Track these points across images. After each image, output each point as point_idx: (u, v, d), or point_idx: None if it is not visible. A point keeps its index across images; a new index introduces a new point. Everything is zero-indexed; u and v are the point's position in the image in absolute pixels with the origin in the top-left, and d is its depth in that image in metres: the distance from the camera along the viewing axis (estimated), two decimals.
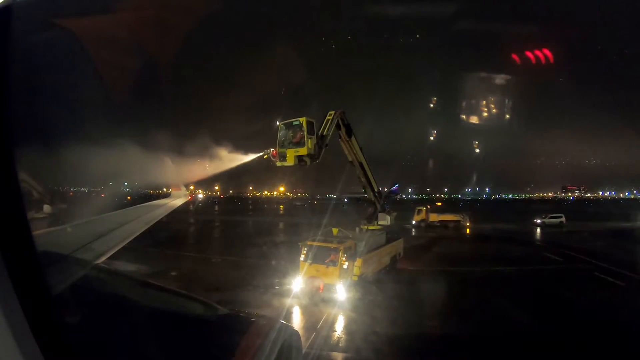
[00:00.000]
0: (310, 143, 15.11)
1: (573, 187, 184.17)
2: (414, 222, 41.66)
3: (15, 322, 1.49)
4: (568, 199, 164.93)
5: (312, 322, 12.98)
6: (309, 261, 15.58)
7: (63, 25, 4.59)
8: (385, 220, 21.01)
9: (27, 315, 1.54)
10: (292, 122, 15.65)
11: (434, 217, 42.06)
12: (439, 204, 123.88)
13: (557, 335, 11.86)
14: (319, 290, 15.07)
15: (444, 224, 41.26)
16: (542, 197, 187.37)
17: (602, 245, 30.47)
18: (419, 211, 42.70)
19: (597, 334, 11.57)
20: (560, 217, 46.59)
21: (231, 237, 37.01)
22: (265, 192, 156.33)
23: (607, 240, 33.10)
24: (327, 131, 15.87)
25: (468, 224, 41.28)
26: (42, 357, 1.53)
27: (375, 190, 20.75)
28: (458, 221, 41.46)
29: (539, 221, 45.92)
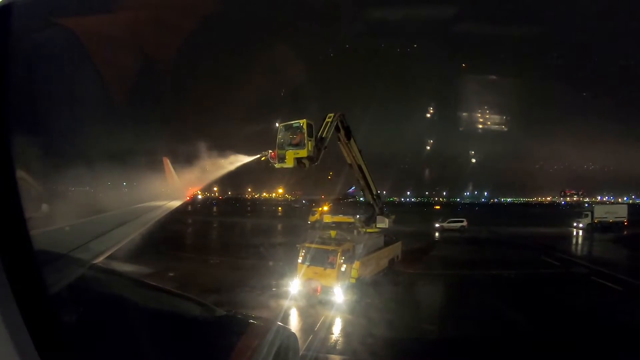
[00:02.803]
0: (310, 145, 15.10)
1: (571, 192, 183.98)
2: (309, 222, 42.83)
3: (12, 321, 1.49)
4: (561, 203, 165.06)
5: (310, 324, 12.96)
6: (307, 263, 15.56)
7: (63, 24, 4.59)
8: (383, 223, 21.02)
9: (23, 314, 1.54)
10: (292, 123, 15.64)
11: (327, 218, 42.96)
12: (438, 207, 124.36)
13: None
14: (317, 293, 15.06)
15: (338, 224, 41.96)
16: (540, 201, 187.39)
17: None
18: (314, 212, 44.17)
19: None
20: (462, 221, 46.10)
21: (229, 238, 37.01)
22: (264, 194, 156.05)
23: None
24: (326, 133, 15.85)
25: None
26: (38, 355, 1.52)
27: (374, 193, 20.75)
28: (352, 222, 41.76)
29: (437, 225, 45.73)
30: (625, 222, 47.54)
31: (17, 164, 1.91)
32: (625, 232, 44.34)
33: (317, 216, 42.27)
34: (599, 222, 47.06)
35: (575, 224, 48.70)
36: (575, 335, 12.03)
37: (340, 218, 43.23)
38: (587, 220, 47.67)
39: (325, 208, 46.00)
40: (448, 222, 45.82)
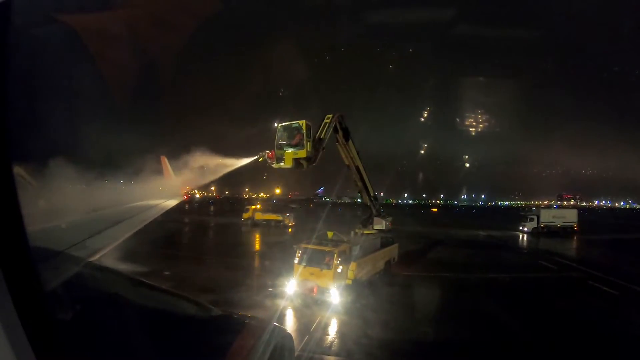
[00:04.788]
0: (309, 146, 15.07)
1: (568, 196, 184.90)
2: (242, 219, 47.09)
3: (7, 318, 1.48)
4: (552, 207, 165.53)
5: (305, 324, 12.96)
6: (303, 264, 15.56)
7: (63, 20, 4.58)
8: (380, 224, 20.99)
9: (18, 311, 1.53)
10: (291, 124, 15.61)
11: (259, 216, 47.12)
12: (435, 209, 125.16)
13: None
14: (313, 293, 15.06)
15: (268, 222, 45.96)
16: (537, 204, 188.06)
17: None
18: (247, 210, 48.33)
19: None
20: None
21: (226, 236, 36.99)
22: (262, 194, 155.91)
23: None
24: (324, 134, 15.83)
25: (291, 223, 44.98)
26: (33, 353, 1.52)
27: (372, 194, 20.73)
28: (281, 220, 45.66)
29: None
30: (575, 227, 46.23)
31: (14, 160, 1.90)
32: (575, 237, 43.47)
33: (249, 214, 47.50)
34: (546, 226, 46.08)
35: (520, 228, 47.79)
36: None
37: (269, 216, 47.36)
38: (533, 224, 46.58)
39: (259, 206, 51.30)
40: None
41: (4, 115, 1.89)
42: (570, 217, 47.40)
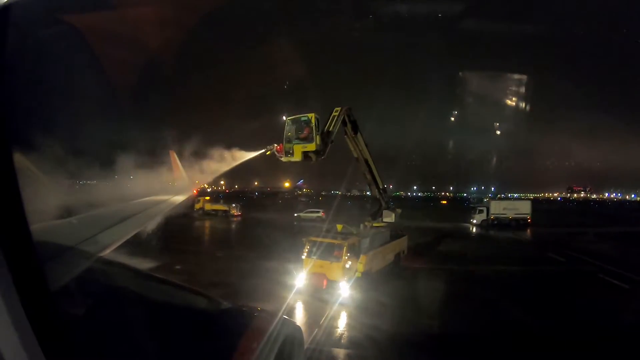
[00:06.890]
0: (318, 139, 15.07)
1: (578, 188, 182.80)
2: (195, 209, 50.14)
3: (15, 316, 1.49)
4: (558, 199, 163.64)
5: (315, 317, 13.02)
6: (313, 257, 15.59)
7: (68, 21, 4.58)
8: (390, 217, 20.93)
9: (26, 309, 1.53)
10: (299, 117, 15.62)
11: (208, 206, 51.55)
12: (444, 202, 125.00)
13: None
14: (322, 286, 15.10)
15: (216, 212, 50.19)
16: (547, 197, 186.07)
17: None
18: (198, 201, 51.18)
19: None
20: (318, 212, 46.66)
21: (236, 231, 37.20)
22: (269, 188, 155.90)
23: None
24: (333, 127, 15.82)
25: (237, 213, 49.65)
26: (41, 351, 1.52)
27: (381, 187, 20.66)
28: (227, 210, 49.94)
29: (295, 214, 46.90)
30: (529, 219, 44.38)
31: (25, 157, 1.91)
32: (528, 230, 42.00)
33: (200, 204, 51.17)
34: (496, 218, 44.53)
35: (470, 220, 46.19)
36: None
37: (217, 206, 52.10)
38: (482, 216, 44.93)
39: (207, 198, 55.70)
40: (305, 212, 47.35)
41: (10, 114, 1.90)
42: (523, 209, 45.79)
